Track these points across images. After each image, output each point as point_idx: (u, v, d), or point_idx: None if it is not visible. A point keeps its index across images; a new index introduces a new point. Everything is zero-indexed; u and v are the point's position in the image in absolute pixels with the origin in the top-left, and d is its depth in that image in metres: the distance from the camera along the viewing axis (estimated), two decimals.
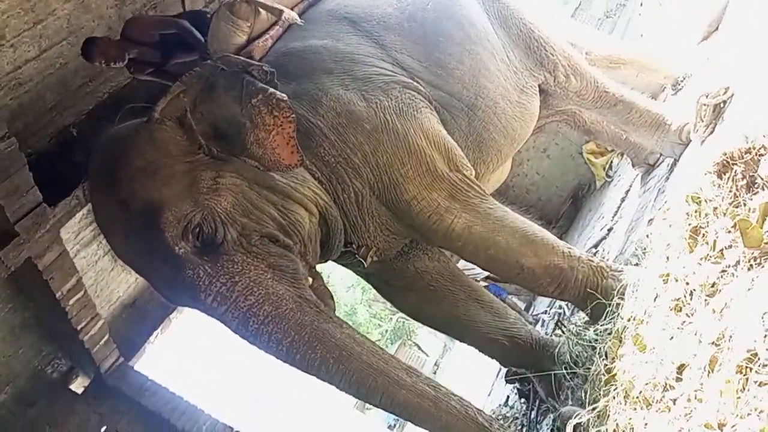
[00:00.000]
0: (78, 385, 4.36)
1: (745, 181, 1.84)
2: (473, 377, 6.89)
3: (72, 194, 3.09)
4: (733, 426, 1.26)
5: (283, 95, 2.19)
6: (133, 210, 2.07)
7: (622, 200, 4.31)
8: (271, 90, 2.18)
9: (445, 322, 3.02)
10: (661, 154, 3.70)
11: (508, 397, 4.11)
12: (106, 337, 4.02)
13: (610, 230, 4.14)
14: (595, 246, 4.18)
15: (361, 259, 2.63)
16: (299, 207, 2.32)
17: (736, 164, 1.88)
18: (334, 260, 2.75)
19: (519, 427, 3.27)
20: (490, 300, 3.01)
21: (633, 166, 4.09)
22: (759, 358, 1.33)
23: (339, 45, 2.68)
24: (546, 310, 4.60)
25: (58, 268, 3.26)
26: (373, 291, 3.23)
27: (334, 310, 2.33)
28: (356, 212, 2.52)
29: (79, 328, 3.68)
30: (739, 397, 1.32)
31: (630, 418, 1.71)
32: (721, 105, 2.86)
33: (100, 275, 4.12)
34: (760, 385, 1.27)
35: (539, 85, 3.20)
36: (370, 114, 2.47)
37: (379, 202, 2.50)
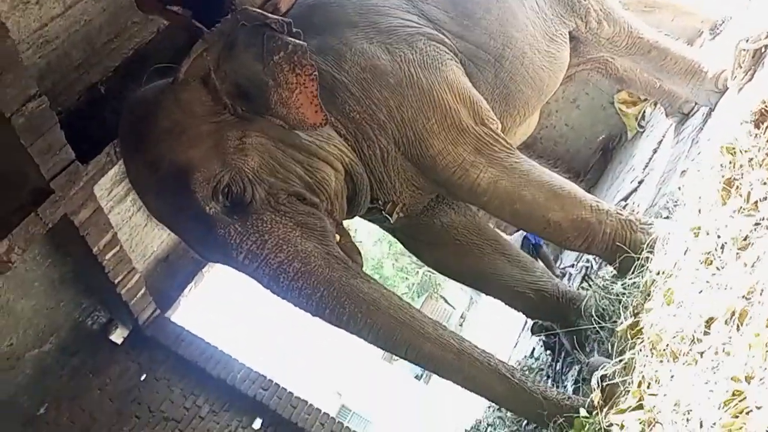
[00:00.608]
0: (117, 336, 4.56)
1: None
2: (499, 329, 6.96)
3: (103, 151, 3.13)
4: (761, 379, 1.26)
5: (305, 49, 2.15)
6: (163, 171, 2.11)
7: (654, 151, 4.20)
8: (293, 45, 2.14)
9: (472, 275, 3.04)
10: (696, 103, 3.58)
11: (533, 349, 4.16)
12: (143, 290, 4.16)
13: (640, 182, 4.05)
14: (625, 199, 4.11)
15: (387, 215, 2.64)
16: (325, 165, 2.33)
17: None
18: (360, 216, 2.77)
19: (544, 378, 3.32)
20: (516, 254, 3.01)
21: (666, 115, 3.97)
22: None
23: None
24: (573, 264, 4.58)
25: (94, 224, 3.34)
26: (400, 245, 3.26)
27: (361, 266, 2.37)
28: (382, 168, 2.52)
29: (116, 281, 3.81)
30: (767, 351, 1.31)
31: (656, 371, 1.72)
32: (762, 50, 2.73)
33: (134, 231, 4.22)
34: None
35: (570, 32, 3.09)
36: (394, 68, 2.44)
37: (405, 158, 2.49)
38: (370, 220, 2.91)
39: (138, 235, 4.29)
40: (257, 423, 4.56)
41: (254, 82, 2.18)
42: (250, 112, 2.21)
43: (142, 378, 4.50)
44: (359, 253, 2.43)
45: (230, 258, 2.17)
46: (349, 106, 2.42)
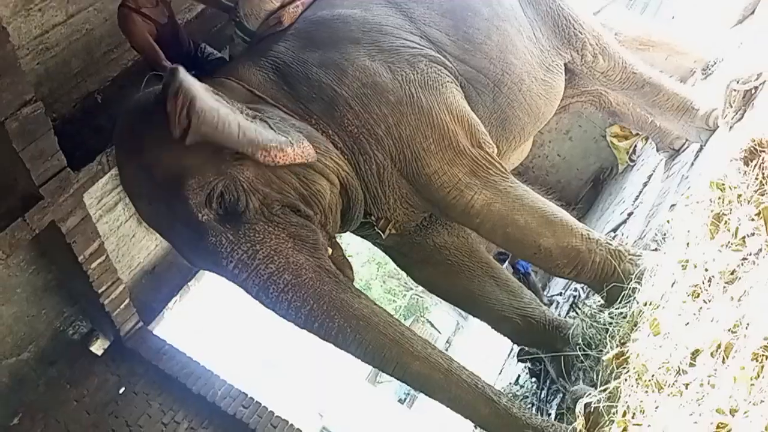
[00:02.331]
0: (98, 347, 4.46)
1: None
2: (485, 356, 6.93)
3: (96, 160, 3.12)
4: (746, 412, 1.26)
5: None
6: (157, 176, 2.12)
7: (644, 185, 4.25)
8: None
9: (460, 296, 3.04)
10: (686, 140, 3.63)
11: (518, 376, 4.14)
12: (127, 301, 4.10)
13: (630, 215, 4.09)
14: (614, 230, 4.15)
15: (379, 231, 2.65)
16: (321, 177, 2.33)
17: (764, 151, 1.85)
18: (352, 231, 2.77)
19: (529, 406, 3.29)
20: (506, 278, 3.02)
21: (657, 150, 4.02)
22: None
23: (367, 15, 2.66)
24: (561, 292, 4.59)
25: (81, 232, 3.31)
26: (389, 266, 3.28)
27: (352, 280, 2.37)
28: (377, 184, 2.53)
29: (100, 291, 3.75)
30: (752, 384, 1.32)
31: (641, 401, 1.72)
32: (752, 91, 2.79)
33: (122, 241, 4.19)
34: None
35: (565, 64, 3.15)
36: (395, 86, 2.47)
37: (400, 175, 2.51)
38: (361, 236, 2.91)
39: (125, 245, 4.26)
40: None
41: None
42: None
43: (121, 391, 4.40)
44: (350, 267, 2.42)
45: (220, 266, 2.17)
46: (347, 120, 2.44)
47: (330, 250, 2.33)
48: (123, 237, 4.16)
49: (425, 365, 2.17)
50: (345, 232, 2.72)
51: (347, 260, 2.43)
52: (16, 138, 2.66)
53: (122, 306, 4.08)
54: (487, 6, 2.85)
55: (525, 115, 2.87)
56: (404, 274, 3.23)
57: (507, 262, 4.79)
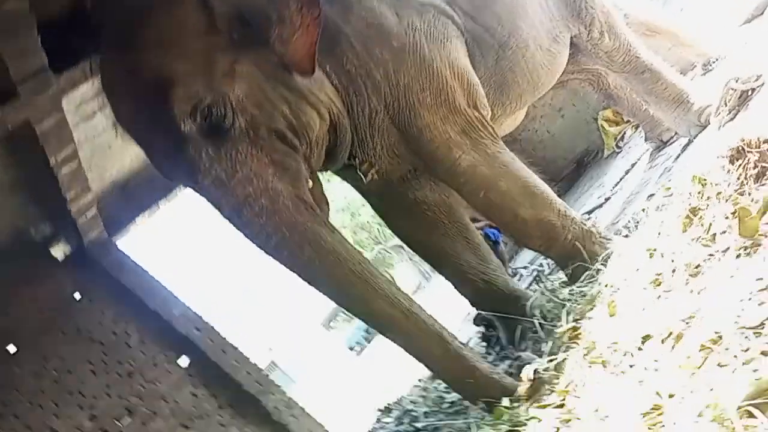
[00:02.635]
0: (59, 251, 4.41)
1: (756, 171, 1.82)
2: (441, 318, 7.07)
3: (79, 65, 3.00)
4: (682, 398, 1.30)
5: None
6: (145, 79, 2.03)
7: (626, 172, 4.29)
8: None
9: (431, 251, 3.05)
10: (676, 133, 3.64)
11: (470, 339, 4.23)
12: (94, 210, 4.03)
13: (607, 200, 4.14)
14: (589, 212, 4.20)
15: (361, 174, 2.61)
16: (312, 110, 2.28)
17: (751, 152, 1.85)
18: (334, 171, 2.74)
19: None
20: (478, 243, 3.05)
21: (645, 140, 4.04)
22: (724, 342, 1.36)
23: None
24: (526, 266, 4.67)
25: (55, 135, 3.20)
26: (362, 218, 3.28)
27: (328, 216, 2.34)
28: (367, 127, 2.49)
29: (68, 197, 3.68)
30: (694, 373, 1.35)
31: (585, 375, 1.76)
32: (749, 93, 2.79)
33: (97, 151, 4.07)
34: (719, 365, 1.30)
35: (571, 38, 3.10)
36: (400, 31, 2.41)
37: (392, 123, 2.47)
38: (342, 177, 2.89)
39: (99, 156, 4.15)
40: (184, 361, 4.49)
41: (257, 11, 2.12)
42: (245, 41, 2.14)
43: (76, 297, 4.39)
44: (327, 203, 2.40)
45: (195, 181, 2.11)
46: (347, 59, 2.38)
47: (311, 183, 2.29)
48: (98, 147, 4.04)
49: (388, 303, 2.16)
50: (327, 170, 2.68)
51: (325, 197, 2.41)
52: None
53: (89, 214, 4.02)
54: None
55: (524, 82, 2.85)
56: (375, 228, 3.25)
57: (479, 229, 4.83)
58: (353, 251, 2.22)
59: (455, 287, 3.08)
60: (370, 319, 2.27)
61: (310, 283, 2.19)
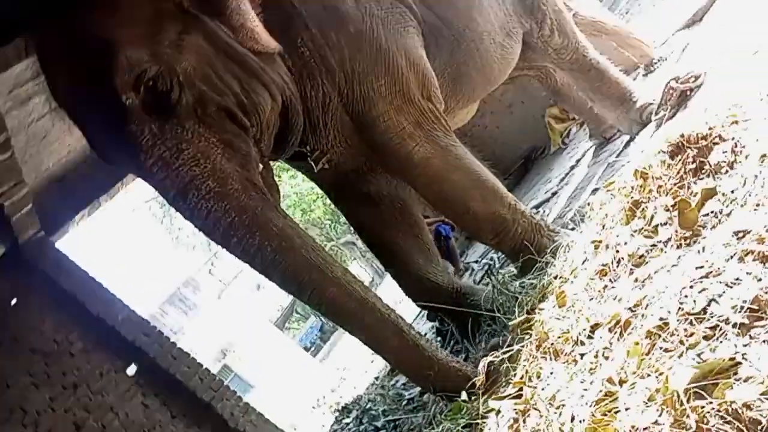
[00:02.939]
0: None
1: (694, 165, 1.90)
2: None
3: (12, 43, 2.81)
4: (633, 383, 1.34)
5: None
6: (85, 46, 1.89)
7: (572, 168, 4.42)
8: None
9: (382, 246, 3.04)
10: (618, 130, 3.77)
11: (425, 334, 4.26)
12: (29, 206, 3.81)
13: (554, 194, 4.25)
14: (537, 207, 4.30)
15: (312, 163, 2.55)
16: (264, 90, 2.19)
17: (690, 148, 1.92)
18: (285, 159, 2.68)
19: None
20: (428, 242, 3.07)
21: (590, 137, 4.17)
22: (669, 328, 1.41)
23: None
24: (477, 260, 4.74)
25: None
26: (313, 215, 3.24)
27: (279, 203, 2.26)
28: (319, 114, 2.43)
29: (0, 191, 3.47)
30: (642, 359, 1.40)
31: (539, 366, 1.79)
32: (688, 92, 2.92)
33: (32, 140, 3.86)
34: (665, 351, 1.35)
35: (523, 34, 3.16)
36: (357, 17, 2.37)
37: (345, 111, 2.43)
38: (294, 166, 2.84)
39: (35, 146, 3.93)
40: (131, 369, 4.33)
41: None
42: (199, 10, 2.04)
43: (13, 302, 4.14)
44: (278, 190, 2.33)
45: (137, 162, 1.97)
46: (301, 41, 2.32)
47: (261, 167, 2.21)
48: (33, 136, 3.83)
49: (342, 291, 2.08)
50: (277, 158, 2.61)
51: (276, 183, 2.33)
52: None
53: (23, 211, 3.79)
54: None
55: (478, 75, 2.88)
56: (327, 225, 3.21)
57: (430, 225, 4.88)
58: (306, 236, 2.14)
59: (401, 285, 3.06)
60: (324, 307, 2.17)
61: (260, 272, 2.10)
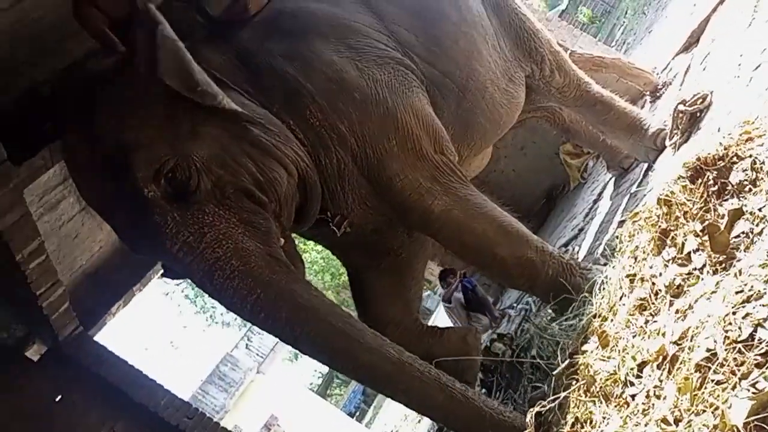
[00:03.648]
0: (34, 353, 4.24)
1: (716, 187, 1.88)
2: None
3: (39, 154, 2.97)
4: (689, 421, 1.29)
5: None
6: (106, 146, 2.01)
7: (595, 202, 4.38)
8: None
9: (370, 293, 3.04)
10: (635, 159, 3.76)
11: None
12: (66, 304, 3.90)
13: (581, 230, 4.20)
14: (565, 245, 4.24)
15: (335, 228, 2.58)
16: (279, 166, 2.27)
17: (708, 170, 1.91)
18: (302, 233, 2.72)
19: None
20: (416, 295, 3.13)
21: (607, 169, 4.15)
22: (718, 358, 1.36)
23: (336, 11, 2.64)
24: (513, 305, 4.66)
25: (19, 230, 3.13)
26: (343, 277, 3.26)
27: (303, 274, 2.31)
28: (336, 180, 2.49)
29: (38, 293, 3.55)
30: (695, 395, 1.35)
31: (589, 412, 1.73)
32: (698, 114, 2.91)
33: (64, 241, 4.00)
34: (717, 383, 1.30)
35: (525, 78, 3.22)
36: (361, 84, 2.45)
37: (361, 174, 2.48)
38: (311, 237, 2.86)
39: (67, 246, 4.07)
40: None
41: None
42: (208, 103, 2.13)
43: (57, 399, 4.18)
44: (302, 261, 2.37)
45: (163, 249, 2.05)
46: (310, 113, 2.39)
47: (282, 241, 2.25)
48: (65, 237, 3.97)
49: (376, 356, 2.08)
50: (300, 229, 2.65)
51: (299, 253, 2.37)
52: None
53: (61, 309, 3.88)
54: (456, 11, 2.89)
55: (487, 122, 2.92)
56: None
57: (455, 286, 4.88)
58: (332, 306, 2.16)
59: None
60: (360, 374, 2.16)
61: (291, 344, 2.11)
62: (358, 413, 18.78)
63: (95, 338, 4.57)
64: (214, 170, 2.10)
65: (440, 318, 11.77)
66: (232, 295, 2.03)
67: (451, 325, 4.93)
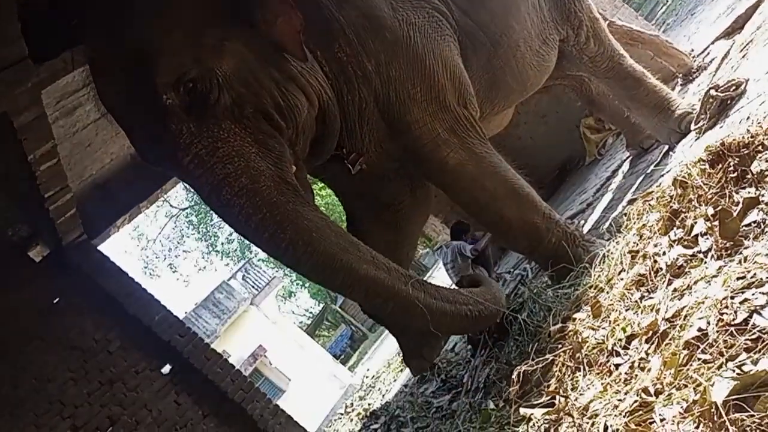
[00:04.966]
0: (37, 254, 4.33)
1: (735, 174, 1.85)
2: None
3: (60, 56, 2.93)
4: (669, 395, 1.31)
5: None
6: (130, 47, 1.99)
7: (608, 179, 4.34)
8: None
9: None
10: (656, 140, 3.70)
11: (455, 343, 4.24)
12: (73, 210, 3.95)
13: (589, 205, 4.18)
14: (572, 218, 4.23)
15: (349, 165, 2.57)
16: (301, 93, 2.24)
17: (731, 156, 1.88)
18: (313, 171, 2.71)
19: (461, 372, 3.39)
20: (409, 254, 3.17)
21: (627, 147, 4.10)
22: (708, 338, 1.37)
23: None
24: (510, 270, 4.68)
25: (34, 130, 3.14)
26: (342, 225, 3.27)
27: (312, 201, 2.29)
28: (356, 118, 2.47)
29: (46, 195, 3.60)
30: (680, 370, 1.36)
31: (574, 377, 1.76)
32: (728, 101, 2.85)
33: (76, 149, 4.01)
34: (704, 362, 1.32)
35: (559, 41, 3.14)
36: (394, 25, 2.40)
37: (380, 116, 2.46)
38: (320, 176, 2.87)
39: (79, 153, 4.08)
40: (166, 368, 4.42)
41: None
42: (239, 18, 2.11)
43: (55, 301, 4.29)
44: (311, 191, 2.37)
45: (175, 160, 2.04)
46: (339, 46, 2.36)
47: (294, 168, 2.25)
48: (78, 145, 3.98)
49: (372, 266, 2.08)
50: (314, 163, 2.63)
51: (308, 184, 2.37)
52: None
53: (67, 214, 3.94)
54: None
55: (514, 81, 2.87)
56: None
57: (469, 245, 4.83)
58: (334, 225, 2.16)
59: None
60: (356, 287, 2.12)
61: (292, 265, 2.12)
62: (342, 356, 19.24)
63: (98, 248, 4.64)
64: (236, 87, 2.08)
65: (436, 275, 11.89)
66: (238, 213, 2.03)
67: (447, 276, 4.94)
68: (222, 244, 20.94)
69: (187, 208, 19.69)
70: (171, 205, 19.39)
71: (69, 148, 3.91)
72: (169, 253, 20.88)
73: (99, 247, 4.69)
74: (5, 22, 2.60)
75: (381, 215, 2.96)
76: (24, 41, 2.73)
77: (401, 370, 6.40)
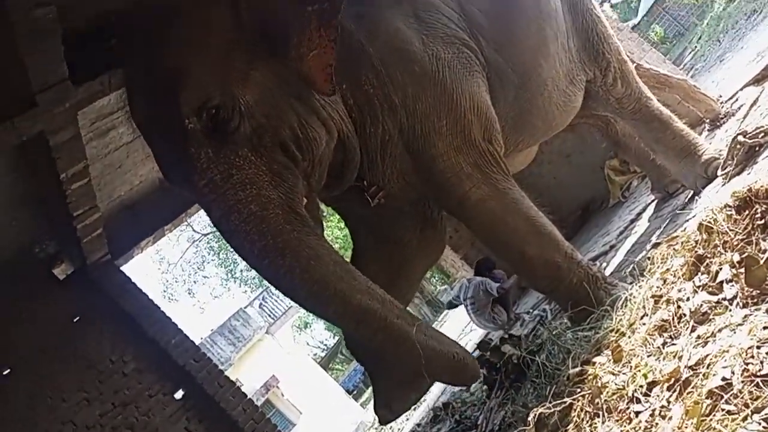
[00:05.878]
0: (61, 272, 4.39)
1: (763, 222, 1.82)
2: None
3: (98, 79, 3.04)
4: None
5: (338, 11, 2.11)
6: (159, 72, 2.07)
7: (632, 222, 4.29)
8: (329, 2, 2.09)
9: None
10: (682, 185, 3.66)
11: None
12: (100, 230, 4.03)
13: (612, 247, 4.13)
14: (593, 260, 4.17)
15: (369, 198, 2.59)
16: (321, 126, 2.29)
17: (759, 203, 1.85)
18: (333, 204, 2.73)
19: (476, 414, 3.32)
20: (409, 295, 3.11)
21: (651, 190, 4.06)
22: (732, 388, 1.34)
23: None
24: (529, 311, 4.62)
25: (68, 150, 3.23)
26: None
27: (321, 233, 2.30)
28: (377, 150, 2.49)
29: (75, 214, 3.68)
30: (703, 420, 1.32)
31: (592, 423, 1.72)
32: (757, 148, 2.82)
33: (107, 170, 4.11)
34: (728, 413, 1.28)
35: (586, 81, 3.17)
36: (423, 59, 2.44)
37: (405, 148, 2.48)
38: (334, 205, 2.88)
39: (109, 174, 4.18)
40: (179, 393, 4.41)
41: (280, 24, 2.14)
42: (265, 49, 2.17)
43: (75, 320, 4.34)
44: (322, 225, 2.38)
45: (191, 182, 2.10)
46: (366, 79, 2.40)
47: (305, 201, 2.27)
48: (109, 166, 4.08)
49: (366, 296, 2.08)
50: (331, 192, 2.65)
51: (320, 217, 2.39)
52: (22, 39, 2.56)
53: (94, 234, 4.02)
54: (535, 3, 2.85)
55: (539, 120, 2.89)
56: None
57: (495, 283, 4.80)
58: (333, 252, 2.18)
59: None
60: (348, 316, 2.12)
61: (290, 294, 2.14)
62: (355, 392, 18.98)
63: (120, 268, 4.70)
64: (257, 117, 2.13)
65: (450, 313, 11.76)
66: (243, 239, 2.07)
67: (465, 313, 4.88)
68: (241, 271, 21.08)
69: (209, 234, 19.93)
70: (194, 230, 19.66)
71: (100, 168, 4.01)
72: (189, 278, 21.07)
73: (121, 268, 4.76)
74: (49, 45, 2.72)
75: (384, 250, 2.96)
76: (65, 64, 2.85)
77: (414, 409, 6.28)
